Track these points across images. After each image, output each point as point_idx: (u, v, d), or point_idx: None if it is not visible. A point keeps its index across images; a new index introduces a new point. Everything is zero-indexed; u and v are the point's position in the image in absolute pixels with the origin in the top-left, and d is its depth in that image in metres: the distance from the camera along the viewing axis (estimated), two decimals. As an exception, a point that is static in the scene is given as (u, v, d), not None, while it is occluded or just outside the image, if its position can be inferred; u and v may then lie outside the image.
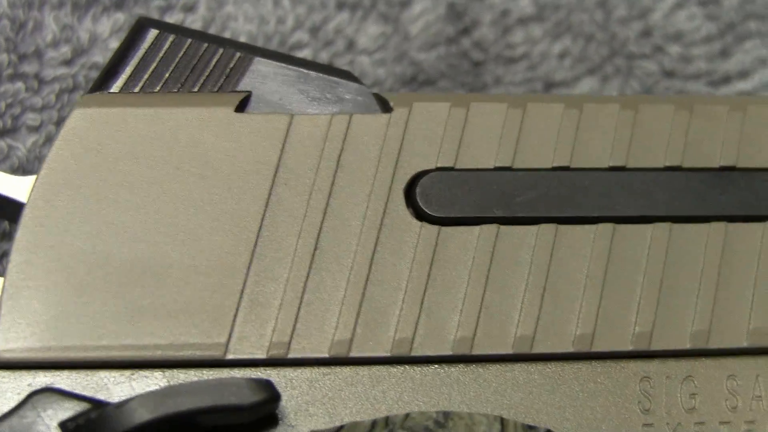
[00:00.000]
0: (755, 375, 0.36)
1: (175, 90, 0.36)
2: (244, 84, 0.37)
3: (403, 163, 0.36)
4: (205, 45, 0.37)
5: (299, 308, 0.35)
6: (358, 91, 0.37)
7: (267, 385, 0.33)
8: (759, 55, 0.49)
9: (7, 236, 0.43)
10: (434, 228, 0.36)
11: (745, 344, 0.36)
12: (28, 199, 0.35)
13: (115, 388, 0.34)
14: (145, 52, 0.37)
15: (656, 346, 0.36)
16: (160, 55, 0.37)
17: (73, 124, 0.35)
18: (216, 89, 0.37)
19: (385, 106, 0.37)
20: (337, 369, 0.35)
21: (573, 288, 0.36)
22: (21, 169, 0.44)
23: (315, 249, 0.35)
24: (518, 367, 0.35)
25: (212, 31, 0.46)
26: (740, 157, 0.38)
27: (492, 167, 0.37)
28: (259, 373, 0.34)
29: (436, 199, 0.36)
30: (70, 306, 0.34)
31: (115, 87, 0.36)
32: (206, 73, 0.37)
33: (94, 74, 0.45)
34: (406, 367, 0.35)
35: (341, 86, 0.37)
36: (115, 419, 0.33)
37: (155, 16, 0.46)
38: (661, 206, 0.37)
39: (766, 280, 0.37)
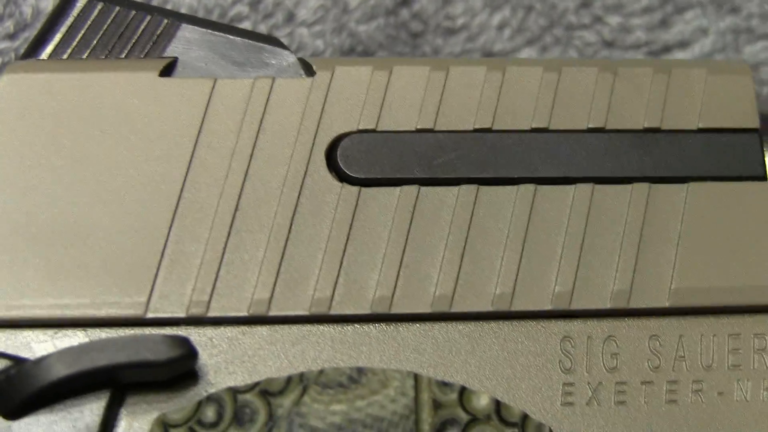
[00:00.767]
0: (678, 335, 0.36)
1: (103, 56, 0.37)
2: (171, 50, 0.37)
3: (324, 125, 0.37)
4: (133, 12, 0.38)
5: (219, 268, 0.35)
6: (283, 56, 0.38)
7: (183, 342, 0.34)
8: (699, 25, 0.49)
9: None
10: (355, 189, 0.36)
11: (667, 304, 0.36)
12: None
13: (37, 346, 0.35)
14: (74, 20, 0.37)
15: (577, 305, 0.36)
16: (89, 22, 0.37)
17: (0, 90, 0.36)
18: (143, 55, 0.37)
19: (309, 71, 0.37)
20: (257, 328, 0.35)
21: (493, 248, 0.36)
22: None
23: (236, 210, 0.36)
24: (437, 326, 0.36)
25: (155, 3, 0.47)
26: (664, 119, 0.38)
27: (414, 129, 0.37)
28: (180, 332, 0.35)
29: (357, 160, 0.36)
30: (-8, 265, 0.35)
31: (45, 54, 0.37)
32: (133, 40, 0.37)
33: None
34: (326, 326, 0.35)
35: (266, 51, 0.37)
36: (34, 375, 0.33)
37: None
38: (584, 167, 0.37)
39: (688, 241, 0.37)
